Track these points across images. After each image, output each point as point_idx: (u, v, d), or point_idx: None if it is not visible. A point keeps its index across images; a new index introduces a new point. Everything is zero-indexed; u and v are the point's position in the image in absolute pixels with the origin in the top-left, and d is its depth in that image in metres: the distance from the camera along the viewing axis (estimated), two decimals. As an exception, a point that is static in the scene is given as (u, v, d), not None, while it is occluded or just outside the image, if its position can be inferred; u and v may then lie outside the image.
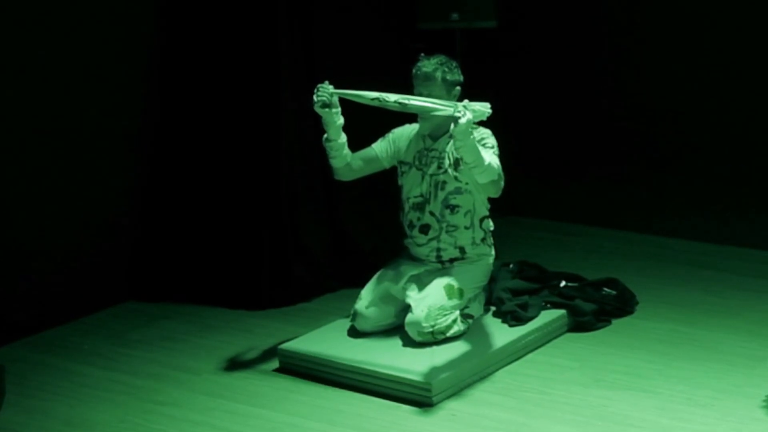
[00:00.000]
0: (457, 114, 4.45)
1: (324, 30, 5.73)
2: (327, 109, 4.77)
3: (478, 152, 4.59)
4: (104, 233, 5.63)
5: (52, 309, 5.40)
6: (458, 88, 4.86)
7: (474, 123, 4.84)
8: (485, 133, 4.85)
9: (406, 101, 4.66)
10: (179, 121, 5.76)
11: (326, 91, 4.75)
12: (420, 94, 4.82)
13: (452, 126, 4.49)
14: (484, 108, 4.59)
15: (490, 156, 4.71)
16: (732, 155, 6.26)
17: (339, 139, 4.88)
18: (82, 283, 5.52)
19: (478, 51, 6.51)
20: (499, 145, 4.85)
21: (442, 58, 4.86)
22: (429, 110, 4.69)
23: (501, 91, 6.70)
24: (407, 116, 4.99)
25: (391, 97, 4.65)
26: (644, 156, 6.51)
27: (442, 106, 4.65)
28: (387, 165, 5.05)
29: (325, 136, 4.89)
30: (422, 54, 4.90)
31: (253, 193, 5.63)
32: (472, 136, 4.54)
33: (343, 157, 4.93)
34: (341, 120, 4.84)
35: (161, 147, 5.78)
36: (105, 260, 5.63)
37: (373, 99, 4.67)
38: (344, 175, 5.02)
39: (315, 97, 4.75)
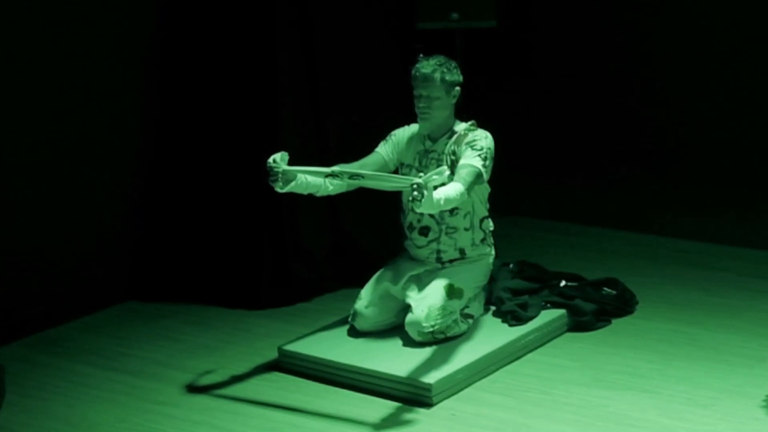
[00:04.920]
0: (412, 202, 4.19)
1: (324, 30, 5.72)
2: (288, 185, 4.65)
3: (450, 200, 4.44)
4: (104, 233, 5.63)
5: (53, 309, 5.40)
6: (458, 88, 4.84)
7: (472, 127, 4.85)
8: (479, 135, 4.80)
9: (361, 177, 4.53)
10: (180, 121, 5.76)
11: (278, 170, 4.58)
12: (420, 96, 4.80)
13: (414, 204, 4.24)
14: (440, 175, 4.38)
15: (472, 159, 4.67)
16: (732, 155, 6.26)
17: (320, 189, 4.79)
18: (82, 283, 5.52)
19: (478, 51, 6.50)
20: (499, 146, 4.83)
21: (441, 58, 4.83)
22: (384, 187, 4.52)
23: (501, 92, 6.72)
24: (406, 117, 5.00)
25: (347, 173, 4.54)
26: (644, 156, 6.50)
27: (397, 182, 4.46)
28: (392, 167, 4.99)
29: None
30: (421, 55, 4.88)
31: (253, 194, 5.62)
32: (436, 198, 4.31)
33: (338, 187, 4.83)
34: (306, 181, 4.70)
35: (161, 148, 5.78)
36: (105, 260, 5.63)
37: (327, 175, 4.57)
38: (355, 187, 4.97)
39: (270, 182, 4.61)
